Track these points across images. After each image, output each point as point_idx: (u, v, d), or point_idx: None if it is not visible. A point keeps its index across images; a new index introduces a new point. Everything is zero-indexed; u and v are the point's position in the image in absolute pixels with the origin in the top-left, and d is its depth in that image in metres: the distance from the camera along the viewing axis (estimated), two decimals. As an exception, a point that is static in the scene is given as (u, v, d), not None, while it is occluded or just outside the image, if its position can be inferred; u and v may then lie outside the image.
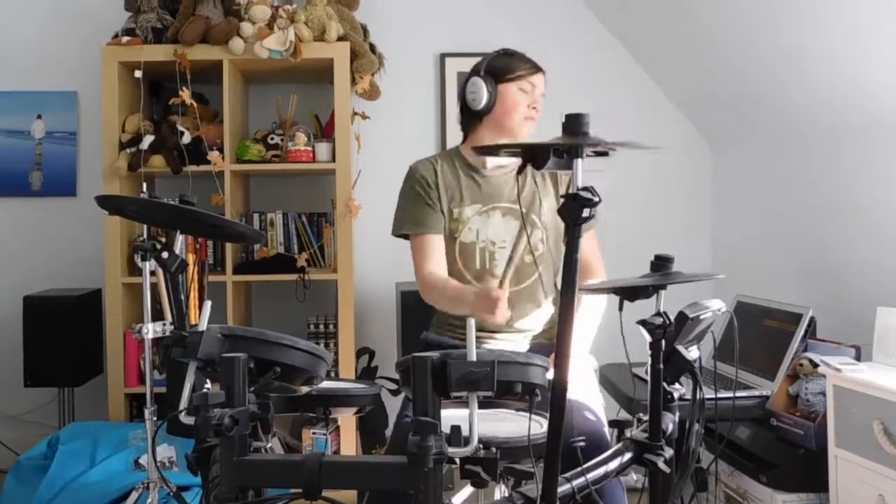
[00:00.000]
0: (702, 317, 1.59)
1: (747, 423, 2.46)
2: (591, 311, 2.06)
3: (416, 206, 2.11)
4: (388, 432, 3.18)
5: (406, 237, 2.15)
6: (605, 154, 1.42)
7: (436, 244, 2.09)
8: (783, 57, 2.64)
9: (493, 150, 1.56)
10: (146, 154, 3.03)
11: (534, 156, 1.33)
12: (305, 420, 3.05)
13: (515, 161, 1.44)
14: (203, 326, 1.29)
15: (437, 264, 2.08)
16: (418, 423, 1.14)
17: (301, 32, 3.02)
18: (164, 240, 2.18)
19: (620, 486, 1.75)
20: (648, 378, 1.58)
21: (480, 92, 2.04)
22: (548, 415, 1.28)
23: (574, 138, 1.28)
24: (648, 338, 1.56)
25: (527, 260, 2.07)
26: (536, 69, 2.08)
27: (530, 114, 2.06)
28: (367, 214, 3.16)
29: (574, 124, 1.27)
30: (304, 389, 1.42)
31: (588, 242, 2.14)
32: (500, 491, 1.78)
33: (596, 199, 1.25)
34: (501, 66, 2.06)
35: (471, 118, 2.12)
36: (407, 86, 3.48)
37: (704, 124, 3.54)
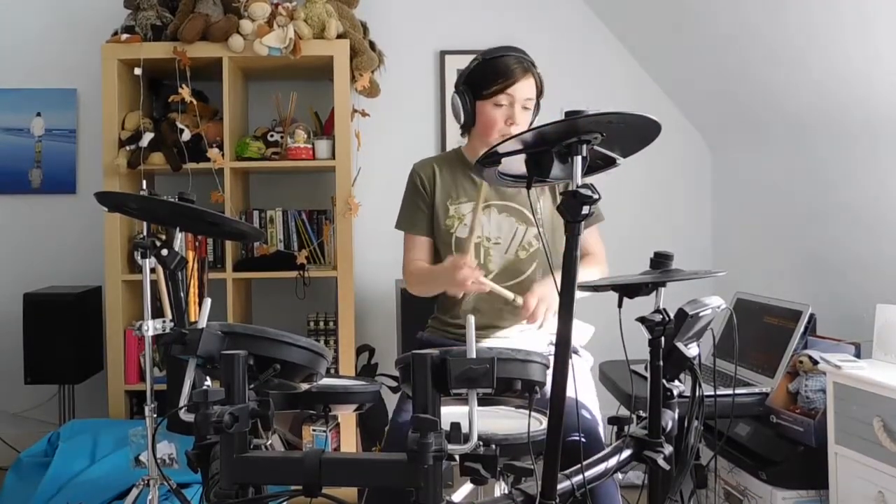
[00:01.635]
0: (701, 314, 1.59)
1: (747, 420, 2.46)
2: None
3: (408, 206, 2.18)
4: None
5: None
6: (612, 163, 1.42)
7: (420, 244, 2.17)
8: (783, 56, 2.64)
9: (495, 160, 1.51)
10: (146, 151, 3.03)
11: (538, 163, 1.33)
12: (305, 417, 3.05)
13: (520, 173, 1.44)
14: (203, 323, 1.29)
15: (421, 262, 2.17)
16: (418, 420, 1.15)
17: (301, 30, 3.02)
18: (163, 237, 2.19)
19: (614, 484, 1.76)
20: (648, 375, 1.58)
21: (458, 110, 2.05)
22: (547, 412, 1.29)
23: (574, 131, 1.28)
24: (648, 335, 1.56)
25: (521, 256, 2.08)
26: (515, 77, 1.99)
27: (507, 130, 2.00)
28: (366, 212, 3.16)
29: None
30: (304, 386, 1.42)
31: (591, 237, 2.16)
32: (500, 488, 1.79)
33: (595, 195, 1.25)
34: (478, 80, 2.02)
35: (463, 128, 2.14)
36: (407, 83, 3.48)
37: (704, 124, 3.54)
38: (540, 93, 2.07)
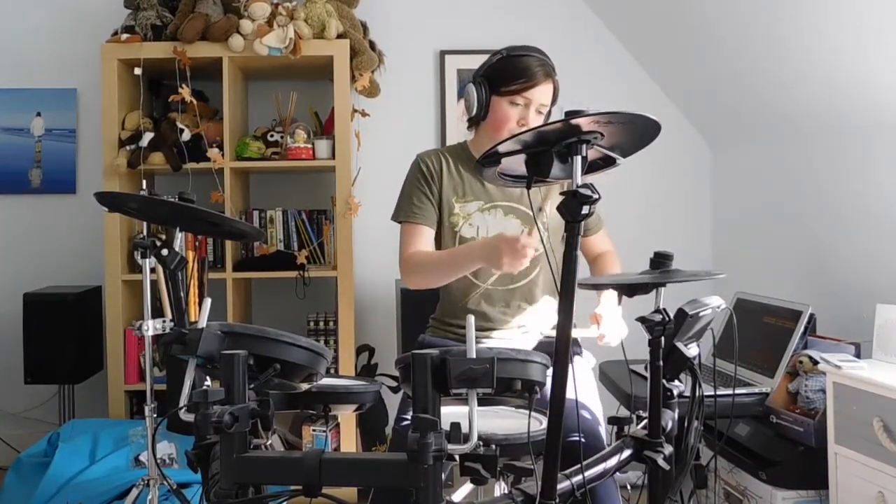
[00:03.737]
0: (701, 314, 1.59)
1: (747, 420, 2.46)
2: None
3: (414, 195, 2.09)
4: (388, 429, 3.18)
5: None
6: (612, 163, 1.42)
7: (426, 235, 2.07)
8: (783, 56, 2.64)
9: (495, 160, 1.51)
10: (146, 151, 3.03)
11: (538, 163, 1.33)
12: (305, 417, 3.05)
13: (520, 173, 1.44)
14: (203, 323, 1.29)
15: (425, 249, 2.07)
16: (418, 420, 1.15)
17: (301, 30, 3.02)
18: (163, 237, 2.19)
19: (614, 483, 1.76)
20: (648, 375, 1.58)
21: (472, 101, 2.01)
22: (547, 412, 1.29)
23: (573, 129, 1.28)
24: (648, 335, 1.56)
25: None
26: (536, 81, 1.96)
27: (517, 131, 1.92)
28: (366, 212, 3.16)
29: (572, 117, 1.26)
30: (304, 386, 1.42)
31: (602, 239, 2.18)
32: (500, 488, 1.79)
33: (595, 195, 1.25)
34: (498, 76, 1.98)
35: (471, 121, 2.10)
36: (407, 83, 3.48)
37: (704, 124, 3.54)
38: (554, 100, 2.05)
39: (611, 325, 1.92)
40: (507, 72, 1.98)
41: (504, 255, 1.74)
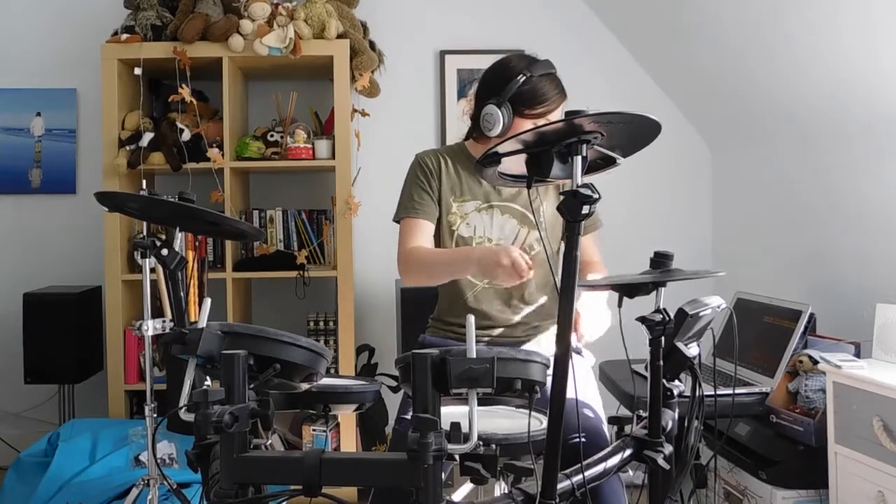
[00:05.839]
0: (701, 314, 1.59)
1: (747, 420, 2.46)
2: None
3: (414, 192, 2.08)
4: (388, 429, 3.18)
5: None
6: (612, 163, 1.42)
7: (426, 229, 2.06)
8: (782, 56, 2.64)
9: (496, 160, 1.49)
10: (146, 151, 3.03)
11: (538, 163, 1.33)
12: (305, 417, 3.05)
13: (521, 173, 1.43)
14: (203, 323, 1.29)
15: (424, 244, 2.05)
16: (418, 419, 1.14)
17: (301, 30, 3.02)
18: (163, 237, 2.19)
19: (620, 483, 1.76)
20: (648, 375, 1.58)
21: (497, 124, 1.96)
22: (547, 411, 1.29)
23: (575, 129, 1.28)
24: (648, 335, 1.56)
25: None
26: (557, 104, 1.98)
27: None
28: (366, 211, 3.16)
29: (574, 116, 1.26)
30: (304, 386, 1.42)
31: (588, 243, 2.14)
32: (500, 488, 1.79)
33: (595, 195, 1.25)
34: (527, 98, 1.96)
35: (480, 133, 2.08)
36: (407, 83, 3.48)
37: (704, 124, 3.54)
38: None
39: (589, 322, 1.87)
40: (537, 95, 1.97)
41: (501, 271, 1.73)
